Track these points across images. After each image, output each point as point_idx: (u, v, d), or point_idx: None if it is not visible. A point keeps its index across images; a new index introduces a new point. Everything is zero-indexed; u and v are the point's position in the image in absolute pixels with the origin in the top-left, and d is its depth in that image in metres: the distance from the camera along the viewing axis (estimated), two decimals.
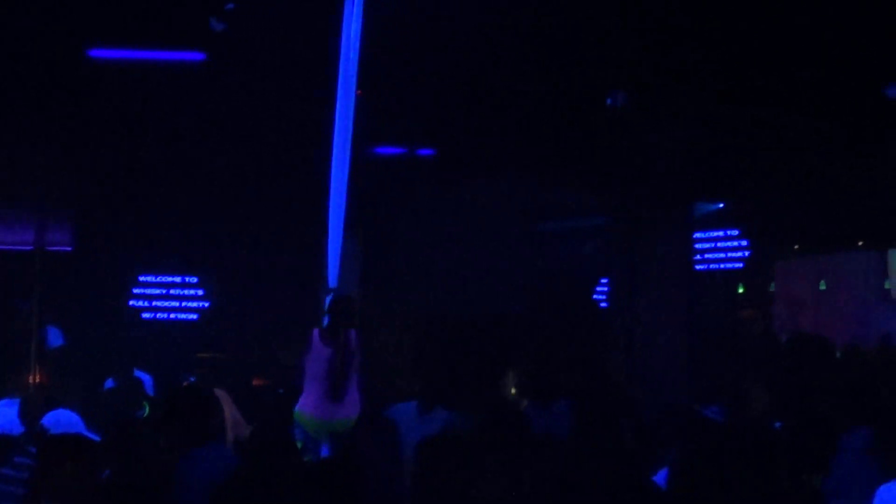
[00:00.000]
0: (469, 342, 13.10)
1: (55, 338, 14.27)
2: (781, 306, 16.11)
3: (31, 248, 14.06)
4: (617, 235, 11.64)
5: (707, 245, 16.31)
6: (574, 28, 10.18)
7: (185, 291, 16.28)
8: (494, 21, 10.10)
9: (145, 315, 16.13)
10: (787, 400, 9.25)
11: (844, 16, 9.29)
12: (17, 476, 6.18)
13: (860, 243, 15.90)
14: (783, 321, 15.69)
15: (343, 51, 8.43)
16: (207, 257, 16.07)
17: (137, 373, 12.32)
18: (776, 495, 6.12)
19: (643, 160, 11.27)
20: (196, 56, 11.40)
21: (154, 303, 16.21)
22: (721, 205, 15.66)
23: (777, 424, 7.91)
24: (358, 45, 7.70)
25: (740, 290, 17.37)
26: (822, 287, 15.70)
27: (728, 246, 16.28)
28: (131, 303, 16.11)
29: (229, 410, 9.09)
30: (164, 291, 16.23)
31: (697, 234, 15.74)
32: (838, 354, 12.91)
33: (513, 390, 10.49)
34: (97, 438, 6.53)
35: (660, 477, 6.00)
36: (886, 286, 15.81)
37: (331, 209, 7.94)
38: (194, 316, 16.17)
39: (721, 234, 16.19)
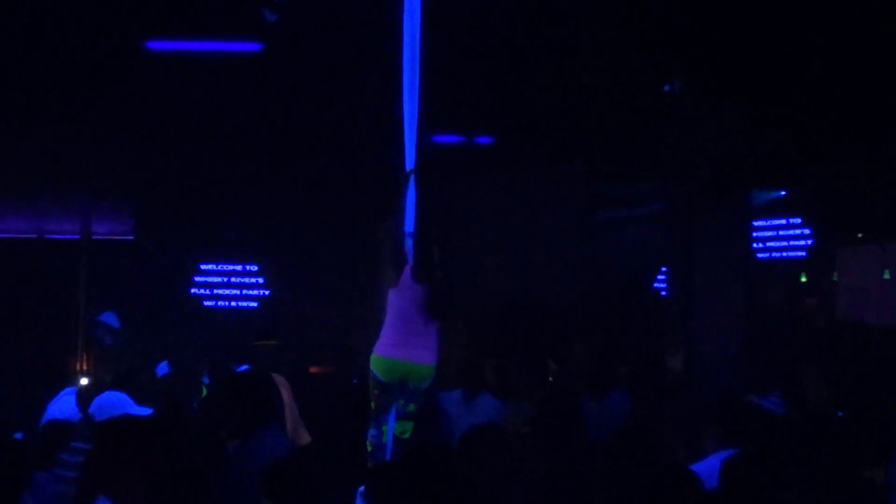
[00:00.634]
0: (524, 331, 13.07)
1: (113, 325, 14.40)
2: (844, 296, 15.88)
3: (79, 236, 14.22)
4: (674, 223, 11.52)
5: (769, 233, 16.13)
6: (631, 14, 10.10)
7: (246, 280, 16.37)
8: (553, 8, 10.06)
9: (207, 303, 16.24)
10: (849, 391, 9.14)
11: None
12: (74, 460, 6.24)
13: None
14: (846, 311, 15.46)
15: (403, 38, 8.37)
16: (268, 245, 16.15)
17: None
18: (835, 489, 6.04)
19: (701, 146, 11.16)
20: (253, 46, 11.45)
21: (215, 291, 16.32)
22: (783, 192, 15.48)
23: (839, 415, 7.82)
24: (418, 32, 7.59)
25: (802, 279, 17.17)
26: (886, 276, 15.45)
27: (790, 234, 16.09)
28: (193, 291, 16.22)
29: (288, 396, 9.14)
30: (224, 279, 16.33)
31: (759, 223, 15.58)
32: None
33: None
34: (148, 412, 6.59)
35: (704, 465, 5.93)
36: None
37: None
38: (254, 304, 16.27)
39: (783, 222, 16.01)
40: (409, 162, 6.80)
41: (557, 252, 14.29)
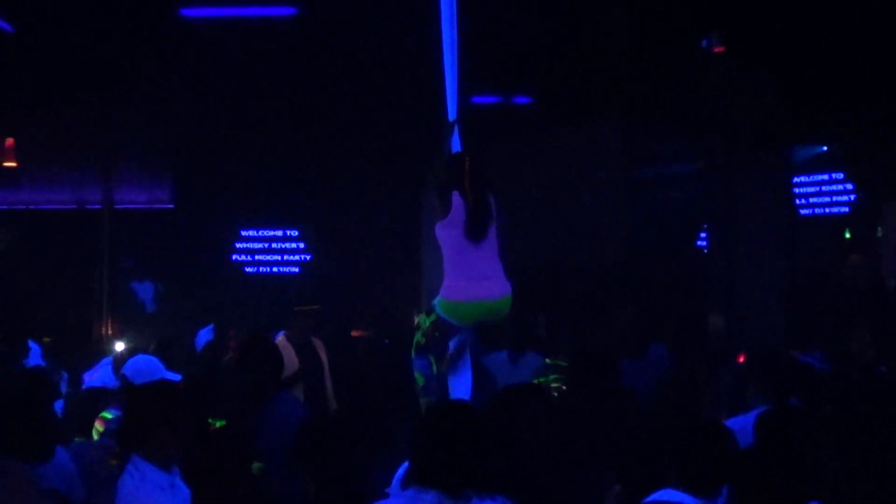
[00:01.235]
0: (564, 291, 13.03)
1: (153, 293, 14.54)
2: (889, 251, 15.71)
3: (101, 206, 14.31)
4: (715, 180, 11.43)
5: (811, 189, 15.94)
6: None
7: (287, 245, 16.40)
8: None
9: (248, 269, 16.29)
10: (893, 348, 9.04)
11: None
12: (111, 427, 6.30)
13: None
14: (891, 266, 15.30)
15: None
16: (308, 210, 16.16)
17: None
18: (877, 444, 5.97)
19: (740, 103, 11.06)
20: (288, 11, 11.44)
21: (256, 257, 16.36)
22: (825, 148, 15.30)
23: (882, 370, 7.74)
24: None
25: (847, 236, 17.00)
26: None
27: (833, 190, 15.89)
28: (234, 257, 16.28)
29: (325, 358, 9.20)
30: (265, 245, 16.37)
31: (801, 178, 15.41)
32: None
33: None
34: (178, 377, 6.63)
35: (741, 421, 5.88)
36: None
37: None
38: (296, 269, 16.31)
39: (825, 177, 15.82)
40: (452, 114, 6.52)
41: (597, 212, 14.21)
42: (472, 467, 4.20)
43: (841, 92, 11.44)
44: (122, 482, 5.03)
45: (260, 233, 16.36)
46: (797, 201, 14.95)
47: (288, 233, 16.41)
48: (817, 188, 15.77)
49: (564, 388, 6.99)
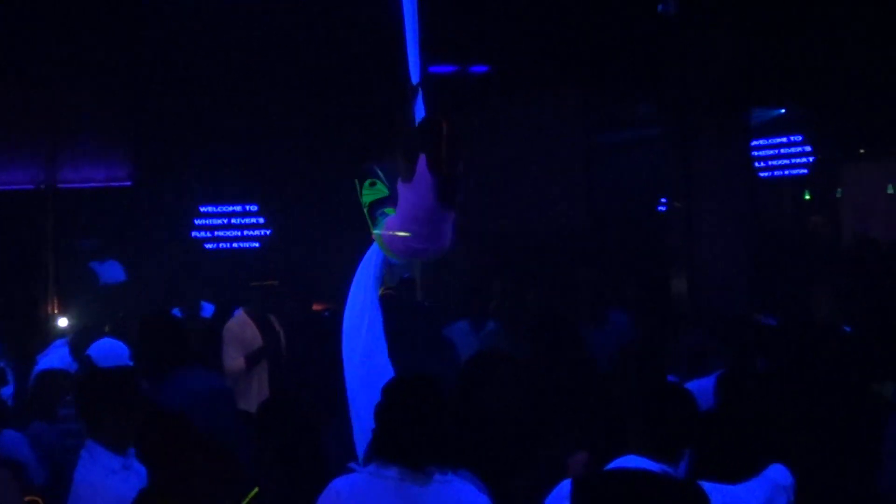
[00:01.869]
0: (525, 259, 13.02)
1: (118, 273, 14.40)
2: (849, 212, 15.81)
3: (42, 186, 14.17)
4: (674, 144, 11.42)
5: (770, 152, 16.02)
6: None
7: (246, 220, 16.29)
8: None
9: (208, 245, 16.17)
10: (856, 306, 9.07)
11: None
12: (71, 412, 6.24)
13: None
14: (851, 227, 15.40)
15: None
16: (267, 184, 16.03)
17: (203, 303, 12.44)
18: (841, 404, 5.98)
19: (697, 66, 11.03)
20: None
21: (216, 233, 16.24)
22: (782, 110, 15.34)
23: (846, 330, 7.75)
24: None
25: (806, 197, 17.08)
26: (891, 191, 15.36)
27: (791, 152, 15.98)
28: (194, 234, 16.15)
29: (282, 333, 9.19)
30: (225, 221, 16.25)
31: (759, 142, 15.47)
32: None
33: None
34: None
35: (702, 383, 5.87)
36: None
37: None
38: (256, 244, 16.20)
39: (784, 140, 15.90)
40: (415, 77, 6.49)
41: (557, 179, 14.19)
42: (433, 442, 4.18)
43: (798, 54, 11.43)
44: (78, 467, 5.01)
45: (219, 208, 16.23)
46: (756, 164, 15.00)
47: (247, 208, 16.29)
48: (776, 150, 15.85)
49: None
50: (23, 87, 13.69)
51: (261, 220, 16.27)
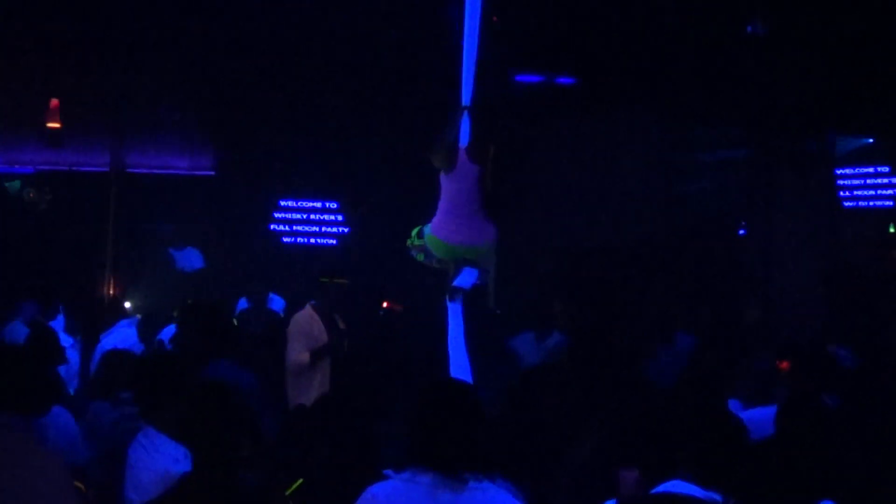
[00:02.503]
0: (599, 273, 12.95)
1: (196, 260, 14.57)
2: None
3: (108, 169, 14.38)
4: (756, 167, 11.29)
5: (856, 181, 15.73)
6: None
7: (325, 217, 16.36)
8: None
9: (285, 239, 16.27)
10: None
11: None
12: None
13: None
14: None
15: None
16: (349, 182, 16.09)
17: (272, 295, 12.54)
18: None
19: (783, 90, 10.90)
20: None
21: (294, 227, 16.34)
22: (870, 140, 15.07)
23: None
24: None
25: (891, 230, 16.76)
26: None
27: (878, 183, 15.67)
28: (272, 227, 16.27)
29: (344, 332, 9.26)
30: (304, 216, 16.34)
31: (846, 170, 15.19)
32: None
33: None
34: None
35: (761, 412, 5.78)
36: None
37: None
38: (333, 241, 16.27)
39: (871, 170, 15.60)
40: (465, 99, 6.68)
41: (635, 195, 14.09)
42: (469, 448, 4.17)
43: (889, 81, 11.24)
44: (133, 452, 5.02)
45: (299, 203, 16.32)
46: (840, 193, 14.73)
47: (327, 204, 16.36)
48: (862, 180, 15.55)
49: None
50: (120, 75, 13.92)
51: (340, 218, 16.34)
